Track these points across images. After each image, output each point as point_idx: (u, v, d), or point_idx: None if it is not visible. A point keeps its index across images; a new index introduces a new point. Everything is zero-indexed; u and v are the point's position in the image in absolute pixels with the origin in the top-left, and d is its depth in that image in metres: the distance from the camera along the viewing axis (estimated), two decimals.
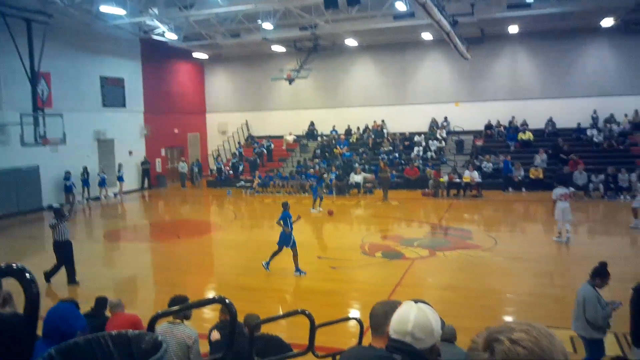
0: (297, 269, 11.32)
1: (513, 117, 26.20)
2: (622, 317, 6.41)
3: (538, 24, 23.51)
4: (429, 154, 25.69)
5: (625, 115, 24.69)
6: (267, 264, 11.57)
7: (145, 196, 25.95)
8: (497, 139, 25.88)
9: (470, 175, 21.77)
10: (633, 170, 20.65)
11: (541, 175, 22.24)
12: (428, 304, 2.21)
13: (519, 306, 9.53)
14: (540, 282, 10.76)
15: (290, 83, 26.64)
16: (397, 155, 25.86)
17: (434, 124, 27.51)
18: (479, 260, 12.43)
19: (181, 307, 4.88)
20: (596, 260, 12.21)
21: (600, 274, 6.31)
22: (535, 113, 25.74)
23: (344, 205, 21.44)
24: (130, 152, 26.03)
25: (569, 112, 25.20)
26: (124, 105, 25.77)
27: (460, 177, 22.06)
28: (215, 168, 28.42)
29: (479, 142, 25.50)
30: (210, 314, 8.42)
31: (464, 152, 25.57)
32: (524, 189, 22.15)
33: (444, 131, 27.01)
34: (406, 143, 26.82)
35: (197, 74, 32.10)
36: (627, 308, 6.16)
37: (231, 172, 27.59)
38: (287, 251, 11.46)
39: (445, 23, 17.60)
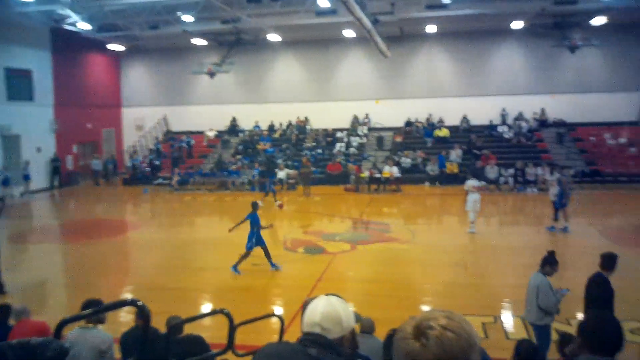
0: (235, 267, 11.09)
1: (430, 115, 27.17)
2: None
3: (454, 24, 24.46)
4: (350, 149, 26.11)
5: (534, 113, 26.32)
6: (273, 265, 11.27)
7: (56, 195, 24.52)
8: (416, 136, 26.74)
9: (390, 171, 22.36)
10: (539, 164, 22.02)
11: (456, 170, 23.24)
12: (340, 297, 2.26)
13: (436, 295, 9.89)
14: (456, 271, 11.23)
15: (211, 77, 26.12)
16: (320, 151, 26.07)
17: (355, 121, 27.99)
18: (397, 253, 12.79)
19: (92, 311, 4.62)
20: (507, 249, 12.99)
21: (550, 262, 6.52)
22: (451, 110, 26.84)
23: (266, 201, 21.30)
24: (38, 149, 24.48)
25: (482, 110, 26.50)
26: (31, 98, 24.18)
27: (380, 172, 22.60)
28: (131, 165, 27.35)
29: (399, 139, 26.23)
30: (127, 317, 8.08)
31: (384, 148, 26.20)
32: (438, 183, 23.05)
33: (365, 127, 27.55)
34: (329, 139, 27.10)
35: (112, 67, 30.70)
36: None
37: (148, 169, 26.66)
38: (214, 250, 11.22)
39: (366, 21, 17.91)
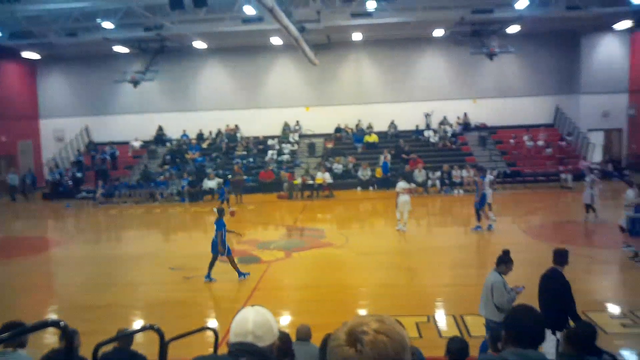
0: (208, 275, 10.98)
1: (359, 121, 27.62)
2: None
3: (379, 32, 25.06)
4: (283, 157, 26.05)
5: (458, 118, 27.37)
6: (208, 276, 10.99)
7: None
8: (346, 141, 27.08)
9: (323, 177, 22.50)
10: (464, 167, 22.88)
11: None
12: (265, 309, 2.35)
13: (371, 298, 9.99)
14: (388, 273, 11.41)
15: (135, 86, 25.26)
16: (251, 159, 25.82)
17: (286, 128, 27.98)
18: (332, 258, 12.84)
19: (10, 334, 4.28)
20: (437, 249, 13.33)
21: (504, 261, 6.70)
22: (379, 116, 27.40)
23: (197, 212, 20.86)
24: None
25: (409, 115, 27.26)
26: None
27: (313, 178, 22.69)
28: (51, 179, 25.93)
29: (330, 145, 26.47)
30: (52, 339, 7.59)
31: (315, 155, 26.35)
32: (371, 188, 23.46)
33: (297, 134, 27.59)
34: (260, 147, 26.92)
35: (27, 76, 29.01)
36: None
37: (70, 182, 25.38)
38: (143, 264, 10.79)
39: (293, 29, 17.96)
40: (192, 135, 28.01)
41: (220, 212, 11.34)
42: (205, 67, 28.55)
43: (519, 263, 12.10)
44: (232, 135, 27.73)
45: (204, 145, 27.43)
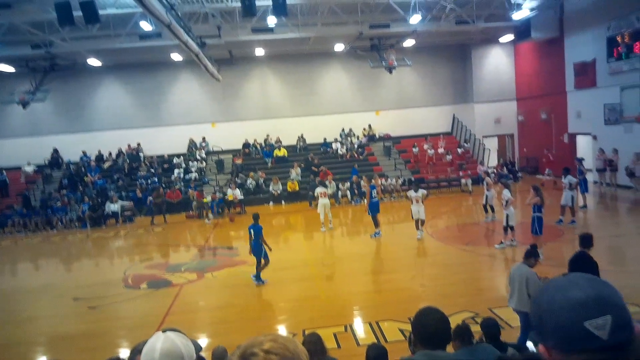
0: (259, 278, 11.46)
1: (268, 135, 27.55)
2: None
3: (282, 47, 25.22)
4: (190, 175, 25.35)
5: (363, 129, 28.11)
6: (258, 277, 11.44)
7: None
8: (255, 157, 26.89)
9: (233, 194, 22.13)
10: (372, 177, 23.41)
11: (297, 188, 23.80)
12: (178, 331, 2.23)
13: (290, 312, 9.87)
14: (305, 286, 11.37)
15: (24, 107, 23.49)
16: (155, 179, 24.88)
17: (192, 145, 27.30)
18: (247, 276, 12.56)
19: None
20: (351, 258, 13.45)
21: (533, 255, 7.04)
22: (287, 130, 27.49)
23: (101, 238, 19.75)
24: None
25: (316, 128, 27.60)
26: None
27: (224, 195, 22.24)
28: None
29: (238, 161, 26.14)
30: None
31: (224, 171, 25.90)
32: (283, 202, 23.42)
33: (203, 151, 27.00)
34: (165, 166, 26.03)
35: None
36: None
37: None
38: (43, 296, 9.96)
39: (193, 44, 17.59)
40: (91, 156, 26.53)
41: (256, 217, 11.53)
42: (102, 85, 27.23)
43: (429, 264, 12.56)
44: (134, 155, 26.59)
45: (105, 167, 26.04)
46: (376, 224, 15.54)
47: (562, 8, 23.32)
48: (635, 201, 18.27)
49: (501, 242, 13.10)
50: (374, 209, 15.55)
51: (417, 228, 14.66)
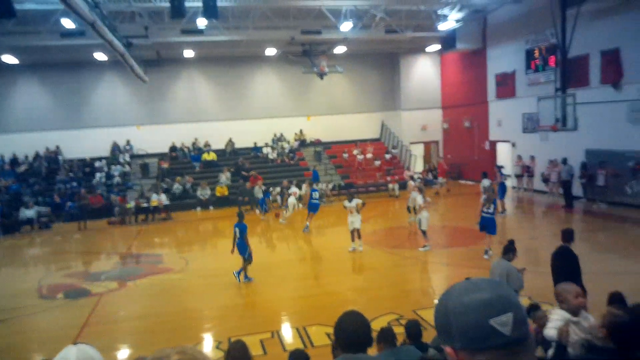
0: (246, 277, 11.62)
1: (196, 139, 26.95)
2: None
3: (212, 50, 24.78)
4: (113, 179, 24.33)
5: (295, 134, 28.12)
6: (243, 274, 11.59)
7: None
8: (183, 161, 26.22)
9: (158, 199, 21.44)
10: (304, 181, 23.44)
11: (226, 192, 23.41)
12: (90, 346, 2.12)
13: (215, 321, 9.62)
14: (232, 294, 11.14)
15: None
16: (75, 183, 23.66)
17: (116, 148, 26.23)
18: (172, 283, 12.20)
19: None
20: (279, 263, 13.33)
21: (511, 250, 7.28)
22: (216, 134, 27.00)
23: (14, 245, 18.55)
24: None
25: (247, 132, 27.30)
26: None
27: (148, 201, 21.51)
28: None
29: (165, 165, 25.38)
30: None
31: (150, 176, 25.05)
32: (211, 207, 22.95)
33: (128, 155, 26.00)
34: (87, 169, 24.84)
35: None
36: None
37: None
38: None
39: (118, 44, 16.90)
40: (7, 159, 24.89)
41: (240, 215, 11.78)
42: (19, 84, 25.60)
43: (357, 268, 12.67)
44: (52, 158, 25.18)
45: (20, 171, 24.47)
46: (308, 220, 17.19)
47: (485, 21, 24.43)
48: (550, 205, 19.32)
49: (424, 245, 13.47)
50: (313, 208, 17.24)
51: (352, 240, 13.93)
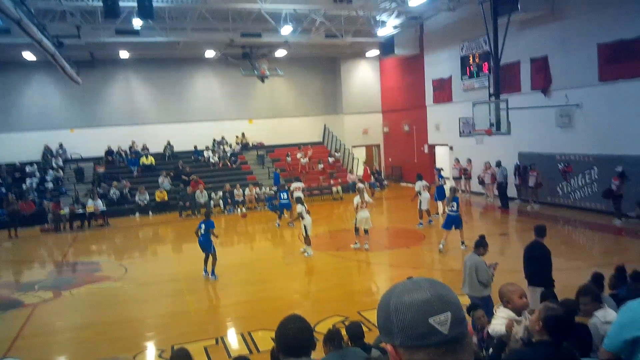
0: (213, 273, 11.99)
1: (133, 142, 26.17)
2: None
3: (149, 51, 24.17)
4: (45, 185, 23.22)
5: (237, 137, 27.84)
6: (212, 273, 11.99)
7: None
8: (119, 165, 25.39)
9: (95, 205, 20.66)
10: (247, 185, 23.27)
11: (166, 198, 22.86)
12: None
13: (157, 329, 9.37)
14: (175, 301, 10.90)
15: None
16: (4, 189, 22.40)
17: (47, 152, 25.05)
18: (110, 292, 11.79)
19: None
20: (226, 268, 13.16)
21: (482, 245, 7.61)
22: (155, 137, 26.27)
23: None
24: None
25: (187, 136, 26.75)
26: None
27: (83, 207, 20.69)
28: None
29: (101, 169, 24.49)
30: None
31: (85, 181, 24.09)
32: (150, 213, 22.35)
33: (61, 159, 24.90)
34: (17, 174, 23.58)
35: None
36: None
37: None
38: None
39: (48, 44, 16.12)
40: None
41: (208, 214, 12.52)
42: None
43: (302, 272, 12.70)
44: None
45: None
46: (279, 216, 18.48)
47: (422, 28, 25.11)
48: (486, 206, 20.07)
49: (356, 243, 14.03)
50: (285, 206, 18.52)
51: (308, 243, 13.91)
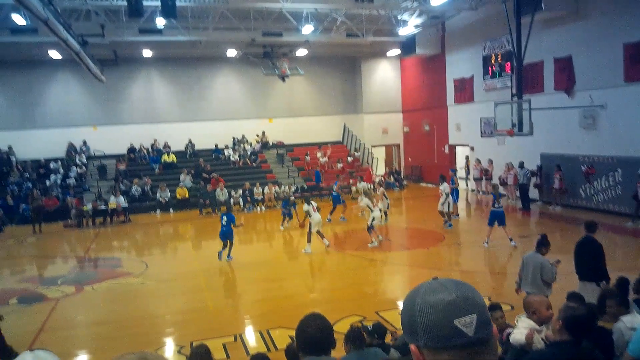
0: (229, 255, 13.49)
1: (155, 140, 26.46)
2: None
3: (171, 50, 24.39)
4: (68, 181, 23.62)
5: (257, 136, 27.97)
6: (227, 255, 13.41)
7: None
8: (141, 162, 25.70)
9: (116, 201, 20.95)
10: (266, 184, 23.37)
11: (187, 195, 23.07)
12: (48, 351, 2.09)
13: (177, 325, 9.47)
14: (194, 297, 11.00)
15: None
16: (30, 185, 22.86)
17: (71, 149, 25.47)
18: (131, 288, 11.95)
19: None
20: (243, 267, 13.26)
21: (544, 244, 7.51)
22: (176, 135, 26.56)
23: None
24: None
25: (207, 134, 26.97)
26: None
27: (106, 203, 20.99)
28: None
29: (122, 166, 24.81)
30: None
31: (107, 178, 24.44)
32: (171, 210, 22.56)
33: (84, 156, 25.31)
34: (41, 171, 24.04)
35: None
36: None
37: None
38: None
39: (73, 42, 16.41)
40: None
41: (229, 207, 15.01)
42: None
43: (320, 271, 12.72)
44: (4, 159, 24.24)
45: None
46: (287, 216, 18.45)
47: (444, 27, 24.92)
48: (507, 208, 19.83)
49: (372, 241, 14.09)
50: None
51: (309, 241, 14.06)
